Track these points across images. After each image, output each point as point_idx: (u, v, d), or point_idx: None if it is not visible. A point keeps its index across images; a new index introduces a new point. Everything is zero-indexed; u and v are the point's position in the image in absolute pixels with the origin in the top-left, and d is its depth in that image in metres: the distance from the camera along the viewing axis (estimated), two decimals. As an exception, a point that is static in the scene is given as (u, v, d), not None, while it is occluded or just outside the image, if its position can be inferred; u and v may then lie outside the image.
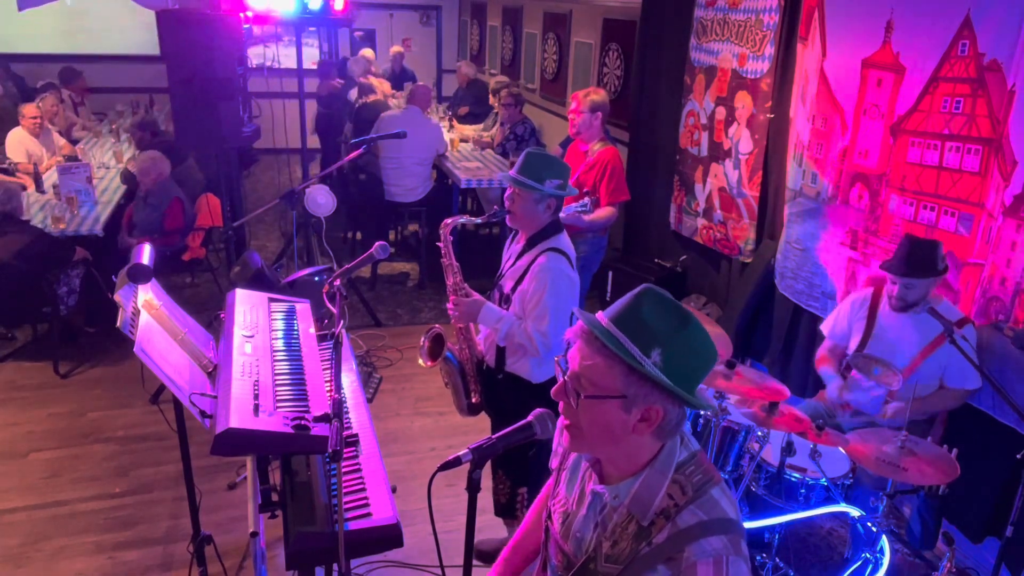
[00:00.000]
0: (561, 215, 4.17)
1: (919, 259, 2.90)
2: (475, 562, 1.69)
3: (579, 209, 4.16)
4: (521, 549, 1.74)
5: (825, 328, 3.42)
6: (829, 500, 2.84)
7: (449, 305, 2.81)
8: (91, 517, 3.43)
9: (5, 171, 5.78)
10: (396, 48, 9.52)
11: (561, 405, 1.34)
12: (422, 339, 2.91)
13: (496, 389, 2.88)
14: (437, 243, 2.89)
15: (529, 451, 2.77)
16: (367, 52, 9.10)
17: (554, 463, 1.56)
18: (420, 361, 2.90)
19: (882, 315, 3.14)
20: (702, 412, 3.07)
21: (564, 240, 2.70)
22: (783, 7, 4.13)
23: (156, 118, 6.67)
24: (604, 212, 4.26)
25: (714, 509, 1.27)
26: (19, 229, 4.61)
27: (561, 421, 1.36)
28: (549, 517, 1.52)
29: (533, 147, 2.76)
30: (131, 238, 5.21)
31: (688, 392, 1.26)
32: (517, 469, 2.90)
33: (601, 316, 1.30)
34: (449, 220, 2.88)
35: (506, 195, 2.71)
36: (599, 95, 4.29)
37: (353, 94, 7.61)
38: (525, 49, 8.73)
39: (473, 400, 2.94)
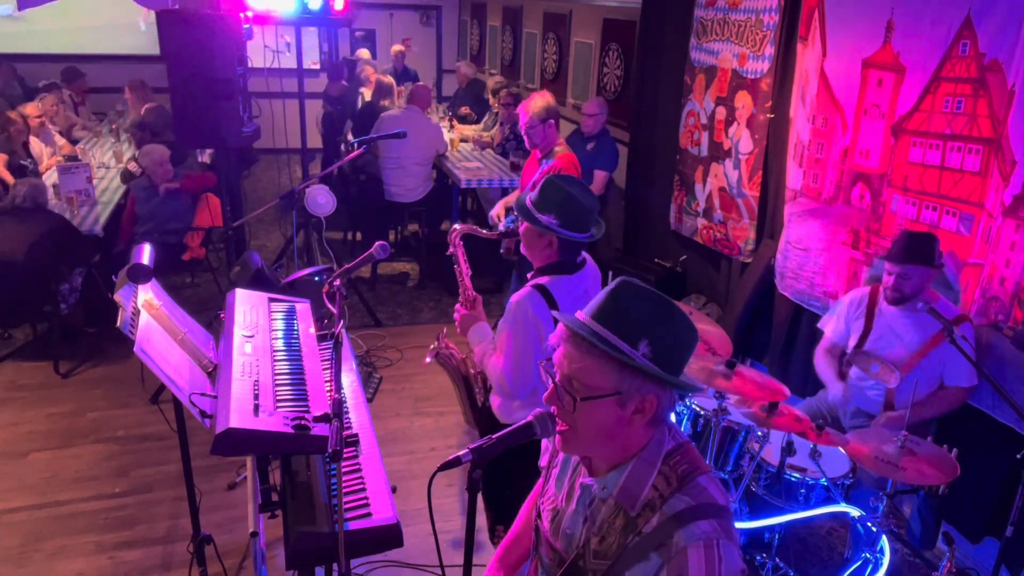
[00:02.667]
0: (502, 227, 4.05)
1: (916, 248, 2.94)
2: (475, 562, 1.68)
3: (509, 225, 3.99)
4: (515, 550, 1.74)
5: (824, 326, 3.43)
6: (829, 500, 2.84)
7: (456, 316, 2.70)
8: (91, 517, 3.43)
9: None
10: (397, 47, 9.52)
11: (554, 409, 1.34)
12: (439, 335, 2.88)
13: (483, 415, 2.79)
14: (447, 252, 2.76)
15: (507, 489, 2.60)
16: (363, 53, 9.09)
17: (543, 462, 1.56)
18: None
19: (880, 312, 3.15)
20: (702, 412, 3.08)
21: (561, 281, 2.39)
22: (783, 7, 4.13)
23: (153, 120, 6.65)
24: None
25: (702, 495, 1.26)
26: (47, 216, 4.63)
27: (559, 427, 1.35)
28: (539, 516, 1.52)
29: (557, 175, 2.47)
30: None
31: (676, 377, 1.26)
32: (497, 505, 2.75)
33: (581, 315, 1.30)
34: (459, 227, 2.72)
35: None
36: (545, 99, 4.01)
37: (366, 93, 7.58)
38: (525, 49, 8.73)
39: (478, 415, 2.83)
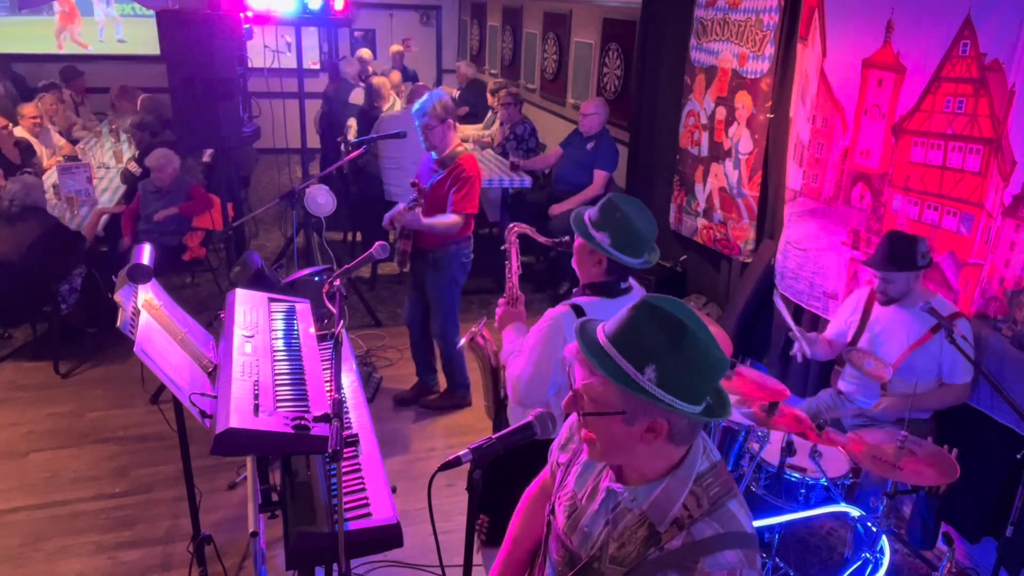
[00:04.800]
0: (399, 204, 3.80)
1: (898, 253, 2.95)
2: (475, 562, 1.69)
3: (408, 205, 3.75)
4: (518, 550, 1.73)
5: (829, 327, 3.45)
6: (829, 500, 2.84)
7: (498, 310, 2.70)
8: (91, 517, 3.43)
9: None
10: (396, 47, 9.52)
11: (575, 415, 1.35)
12: (477, 325, 2.87)
13: (502, 409, 2.80)
14: (502, 247, 2.75)
15: (502, 486, 2.63)
16: (363, 52, 9.09)
17: (562, 458, 1.55)
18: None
19: (875, 311, 3.18)
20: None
21: (599, 304, 2.32)
22: (783, 7, 4.13)
23: (152, 120, 6.66)
24: (449, 219, 3.82)
25: (731, 522, 1.27)
26: (38, 218, 4.62)
27: (580, 434, 1.37)
28: (552, 512, 1.51)
29: (616, 194, 2.32)
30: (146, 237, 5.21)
31: (693, 403, 1.24)
32: (484, 495, 2.75)
33: (600, 333, 1.30)
34: (517, 226, 2.72)
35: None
36: (444, 103, 3.79)
37: (357, 96, 7.58)
38: (525, 49, 8.74)
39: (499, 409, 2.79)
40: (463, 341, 2.83)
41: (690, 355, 1.24)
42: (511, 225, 2.75)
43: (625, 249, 2.24)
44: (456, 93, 8.83)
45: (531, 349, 2.37)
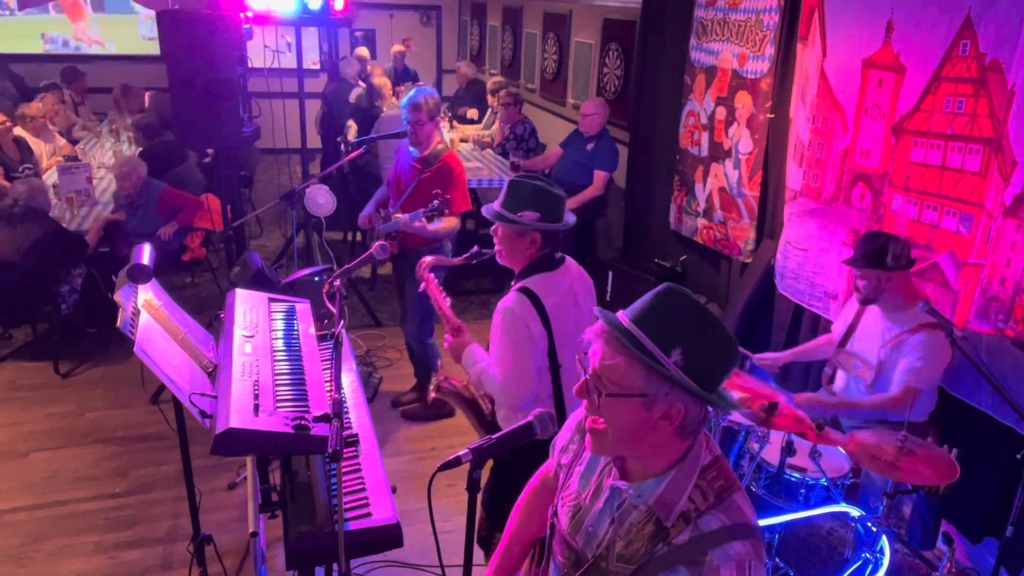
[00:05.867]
0: (402, 216, 3.77)
1: (865, 253, 2.97)
2: (475, 563, 1.69)
3: (427, 213, 3.65)
4: (508, 556, 1.72)
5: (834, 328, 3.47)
6: (829, 500, 2.84)
7: (445, 345, 2.66)
8: (91, 517, 3.43)
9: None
10: (397, 47, 9.51)
11: (584, 403, 1.35)
12: (437, 369, 2.80)
13: (493, 428, 2.76)
14: (420, 289, 2.72)
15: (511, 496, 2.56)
16: (361, 50, 9.09)
17: (564, 459, 1.55)
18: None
19: (864, 313, 3.19)
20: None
21: (544, 279, 2.37)
22: (783, 7, 4.13)
23: (152, 120, 6.66)
24: (450, 223, 3.85)
25: (737, 514, 1.27)
26: (40, 220, 4.61)
27: (587, 423, 1.36)
28: (556, 513, 1.51)
29: (519, 175, 2.38)
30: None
31: (709, 391, 1.25)
32: (500, 515, 2.62)
33: (622, 315, 1.30)
34: (426, 259, 2.68)
35: (491, 229, 2.45)
36: (434, 99, 3.80)
37: (357, 95, 7.58)
38: (525, 49, 8.74)
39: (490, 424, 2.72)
40: (431, 396, 2.78)
41: (713, 340, 1.26)
42: (419, 262, 2.69)
43: (552, 218, 2.32)
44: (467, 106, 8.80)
45: (500, 350, 2.35)
